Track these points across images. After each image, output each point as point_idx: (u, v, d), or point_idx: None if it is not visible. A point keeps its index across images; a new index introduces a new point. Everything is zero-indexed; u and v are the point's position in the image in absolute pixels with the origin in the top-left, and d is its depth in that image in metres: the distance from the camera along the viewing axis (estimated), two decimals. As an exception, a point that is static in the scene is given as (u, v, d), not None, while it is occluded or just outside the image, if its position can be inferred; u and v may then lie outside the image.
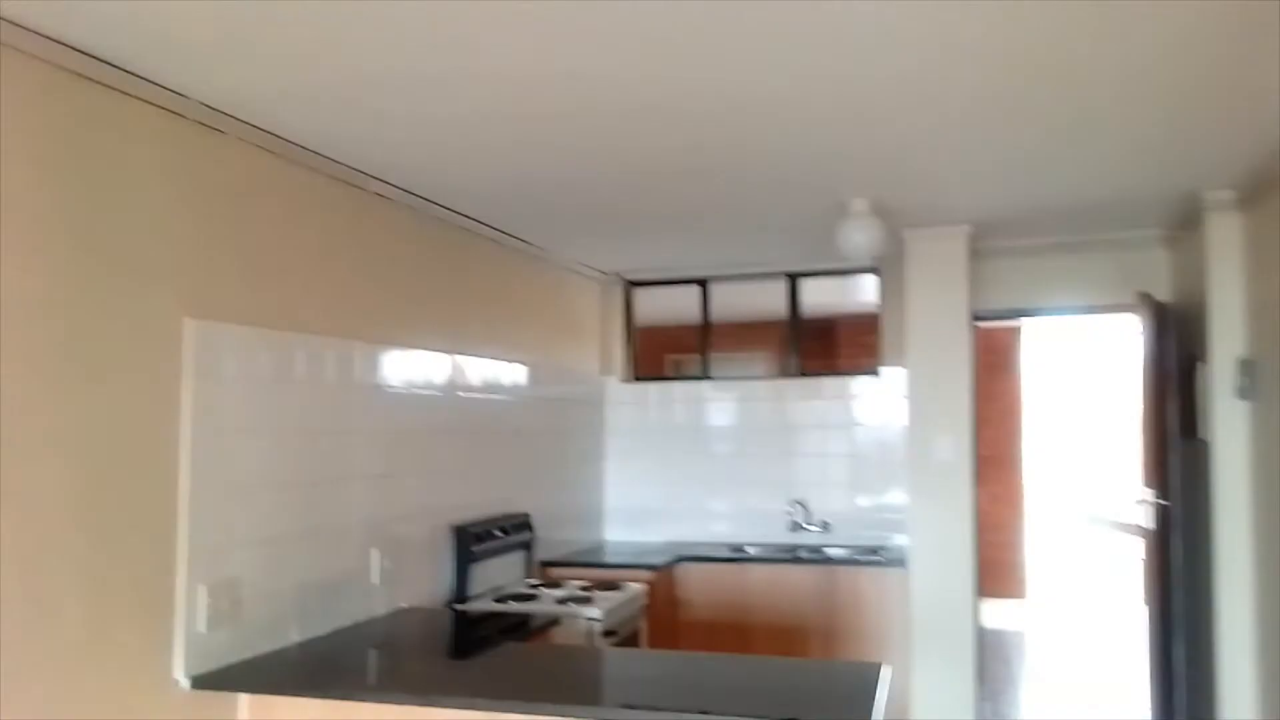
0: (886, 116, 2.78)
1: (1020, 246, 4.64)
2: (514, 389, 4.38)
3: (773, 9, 2.05)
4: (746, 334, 5.71)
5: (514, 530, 4.10)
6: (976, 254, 4.49)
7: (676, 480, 5.40)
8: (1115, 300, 4.53)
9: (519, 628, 3.42)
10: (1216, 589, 3.69)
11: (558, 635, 3.42)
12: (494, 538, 3.92)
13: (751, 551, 4.94)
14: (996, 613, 7.91)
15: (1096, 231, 4.45)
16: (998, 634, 7.31)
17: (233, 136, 2.68)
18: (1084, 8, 2.06)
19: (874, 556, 4.69)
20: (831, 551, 4.89)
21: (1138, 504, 4.34)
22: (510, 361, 4.35)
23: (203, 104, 2.54)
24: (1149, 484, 4.20)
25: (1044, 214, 4.10)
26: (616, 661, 3.03)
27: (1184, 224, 4.04)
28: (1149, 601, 4.25)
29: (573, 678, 2.69)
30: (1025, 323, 8.16)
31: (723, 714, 2.18)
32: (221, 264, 2.65)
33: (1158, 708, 4.19)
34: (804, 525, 5.17)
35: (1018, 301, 4.75)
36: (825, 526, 5.14)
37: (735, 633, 4.63)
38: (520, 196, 3.67)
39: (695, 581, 4.74)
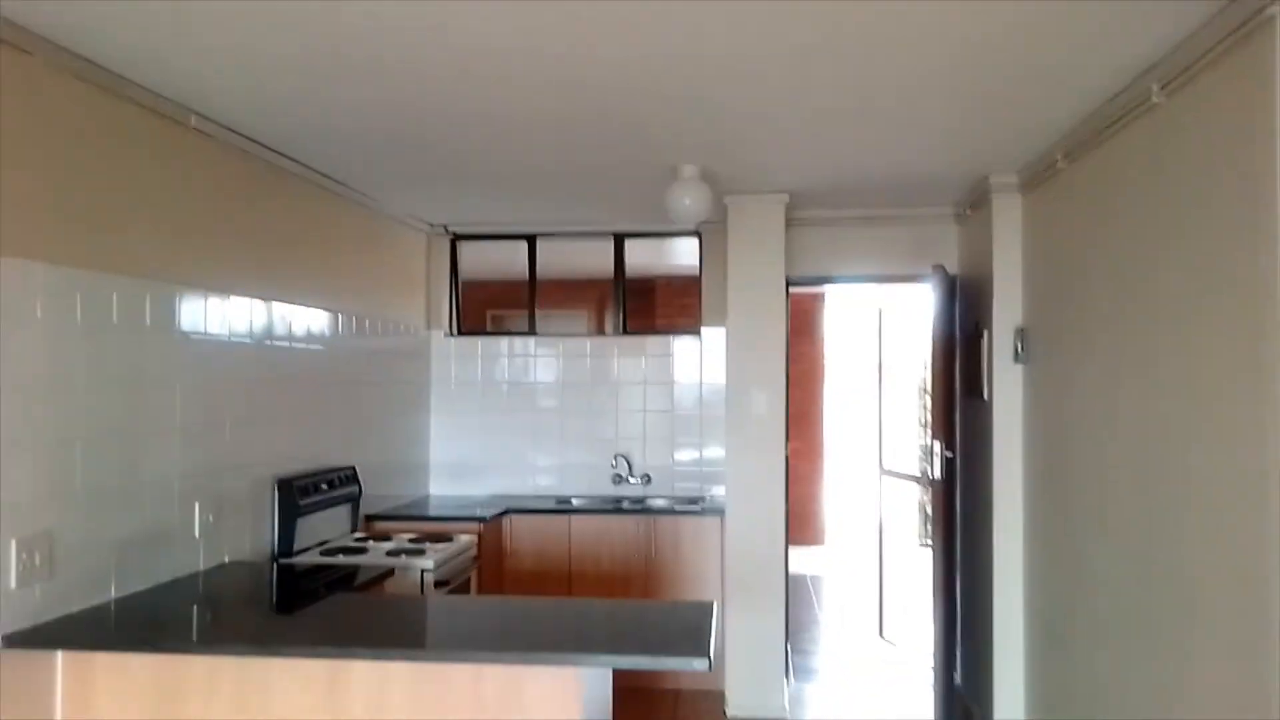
0: (713, 89, 2.93)
1: (828, 217, 4.96)
2: (338, 340, 4.28)
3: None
4: (568, 292, 5.81)
5: (340, 483, 4.04)
6: (789, 223, 4.77)
7: (501, 434, 5.46)
8: (911, 271, 4.94)
9: (350, 580, 3.40)
10: (993, 528, 4.16)
11: (390, 587, 3.42)
12: (319, 491, 3.85)
13: (576, 503, 5.09)
14: (798, 558, 8.47)
15: (897, 206, 4.84)
16: (799, 578, 7.85)
17: (43, 59, 2.48)
18: (891, 8, 2.27)
19: (693, 506, 4.95)
20: (653, 502, 5.11)
21: (925, 457, 4.80)
22: (334, 311, 4.24)
23: (8, 20, 2.34)
24: (938, 438, 4.65)
25: (852, 188, 4.42)
26: (455, 608, 3.09)
27: (974, 203, 4.46)
28: (935, 541, 4.71)
29: (411, 625, 2.73)
30: (829, 289, 8.71)
31: (578, 651, 2.30)
32: (32, 197, 2.46)
33: (941, 634, 4.67)
34: (627, 478, 5.36)
35: (825, 269, 5.08)
36: (647, 479, 5.36)
37: (561, 580, 4.77)
38: (347, 143, 3.58)
39: (522, 532, 4.83)
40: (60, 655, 2.46)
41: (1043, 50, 2.60)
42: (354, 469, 4.20)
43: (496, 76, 2.80)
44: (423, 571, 3.55)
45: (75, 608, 2.56)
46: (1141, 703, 2.84)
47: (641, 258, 5.58)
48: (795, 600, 6.94)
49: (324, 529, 3.93)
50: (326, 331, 4.16)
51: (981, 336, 4.30)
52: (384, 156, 3.79)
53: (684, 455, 5.38)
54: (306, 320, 3.97)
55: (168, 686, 2.46)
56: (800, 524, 9.13)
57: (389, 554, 3.68)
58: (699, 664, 2.21)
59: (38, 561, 2.42)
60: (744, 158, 3.90)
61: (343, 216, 4.36)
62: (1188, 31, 2.43)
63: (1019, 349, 4.06)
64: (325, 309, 4.14)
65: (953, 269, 4.81)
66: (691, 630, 2.44)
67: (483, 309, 5.79)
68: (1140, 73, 2.74)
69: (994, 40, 2.52)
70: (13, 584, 2.35)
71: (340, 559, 3.62)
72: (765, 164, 4.02)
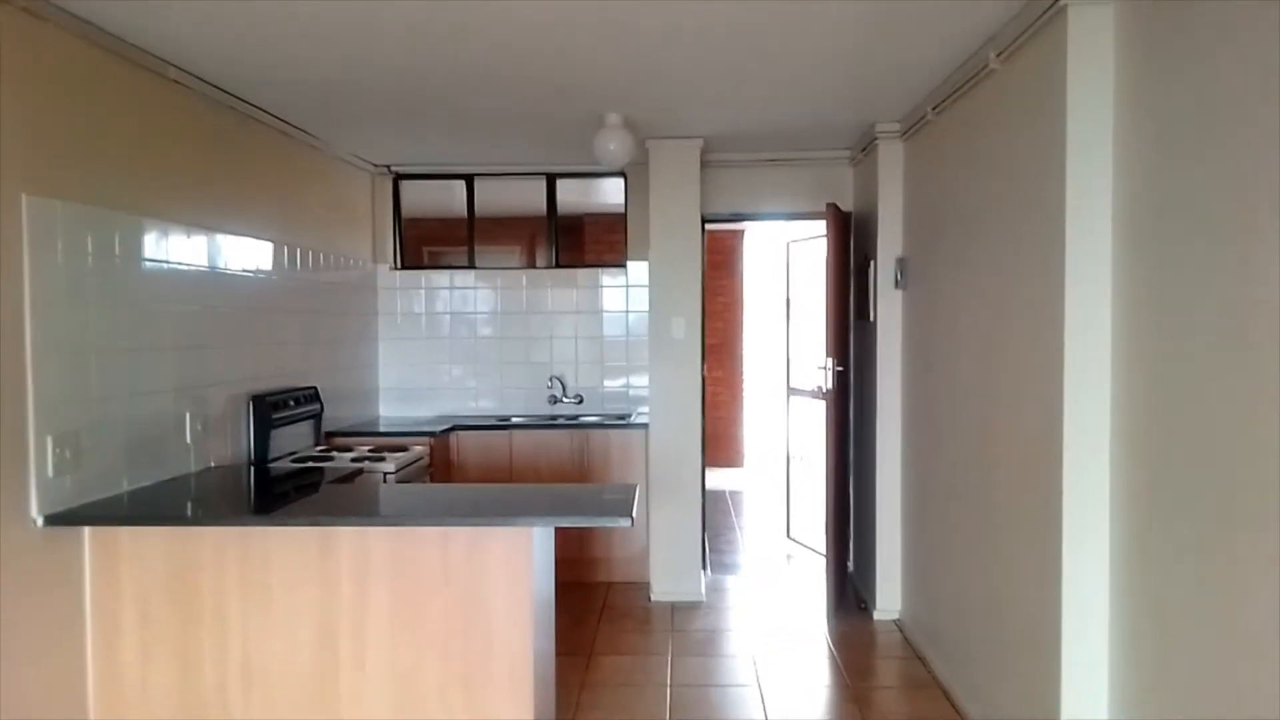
0: (636, 44, 3.42)
1: (740, 160, 5.53)
2: (296, 272, 4.71)
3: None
4: (504, 228, 6.26)
5: (304, 401, 4.51)
6: (705, 165, 5.31)
7: (445, 361, 5.96)
8: (813, 208, 5.54)
9: (321, 480, 3.89)
10: (877, 435, 4.84)
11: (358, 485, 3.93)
12: (288, 407, 4.32)
13: (516, 420, 5.63)
14: (721, 477, 9.19)
15: (800, 150, 5.42)
16: (720, 493, 8.56)
17: (53, 24, 2.86)
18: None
19: (620, 421, 5.54)
20: (585, 418, 5.69)
21: (821, 371, 5.43)
22: (292, 245, 4.66)
23: (23, -8, 2.71)
24: (831, 355, 5.29)
25: (760, 133, 4.98)
26: (421, 491, 3.62)
27: (864, 148, 5.06)
28: (828, 445, 5.36)
29: (384, 503, 3.26)
30: (747, 227, 9.28)
31: (527, 515, 2.86)
32: (50, 145, 2.86)
33: (833, 526, 5.37)
34: (561, 399, 5.92)
35: (737, 207, 5.66)
36: (579, 400, 5.93)
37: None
38: (305, 93, 3.97)
39: (467, 446, 5.37)
40: (87, 531, 2.94)
41: (905, 16, 3.13)
42: (315, 389, 4.67)
43: (440, 36, 3.24)
44: (385, 474, 4.06)
45: (97, 496, 3.03)
46: (971, 570, 3.54)
47: (571, 196, 6.06)
48: (716, 511, 7.65)
49: (291, 442, 4.40)
50: (285, 264, 4.58)
51: (869, 266, 4.92)
52: (335, 103, 4.19)
53: (612, 378, 5.95)
54: (268, 254, 4.39)
55: (180, 558, 2.96)
56: (722, 446, 9.83)
57: (353, 460, 4.18)
58: (624, 521, 2.80)
59: (68, 455, 2.89)
60: (662, 106, 4.40)
61: (297, 158, 4.75)
62: (1013, 12, 3.01)
63: (899, 277, 4.69)
64: (285, 243, 4.56)
65: (848, 207, 5.42)
66: (618, 501, 3.02)
67: (420, 246, 6.21)
68: (983, 42, 3.32)
69: (870, 14, 3.06)
70: (50, 473, 2.81)
71: (311, 464, 4.11)
72: (682, 112, 4.53)
